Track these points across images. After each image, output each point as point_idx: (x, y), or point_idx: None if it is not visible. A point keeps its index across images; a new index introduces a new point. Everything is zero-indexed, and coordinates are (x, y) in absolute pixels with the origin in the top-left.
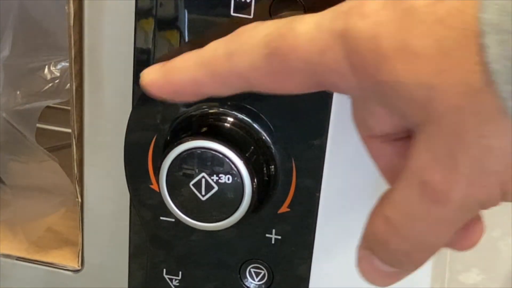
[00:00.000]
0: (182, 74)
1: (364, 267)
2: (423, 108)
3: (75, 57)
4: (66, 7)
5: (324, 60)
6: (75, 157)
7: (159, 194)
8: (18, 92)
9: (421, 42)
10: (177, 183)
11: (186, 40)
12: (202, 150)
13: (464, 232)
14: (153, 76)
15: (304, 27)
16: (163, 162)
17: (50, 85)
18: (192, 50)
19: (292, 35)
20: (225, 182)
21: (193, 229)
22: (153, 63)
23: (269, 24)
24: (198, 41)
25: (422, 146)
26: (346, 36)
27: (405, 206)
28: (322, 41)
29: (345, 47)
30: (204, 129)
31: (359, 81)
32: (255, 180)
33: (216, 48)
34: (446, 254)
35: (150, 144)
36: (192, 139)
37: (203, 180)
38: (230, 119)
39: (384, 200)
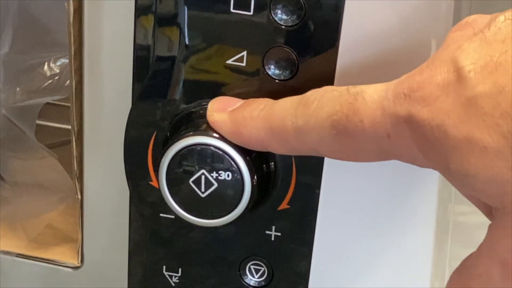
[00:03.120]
0: (251, 133)
1: None
2: (499, 200)
3: (74, 53)
4: (65, 4)
5: (392, 143)
6: (74, 153)
7: (158, 191)
8: (17, 89)
9: (489, 137)
10: (177, 180)
11: (186, 36)
12: (202, 146)
13: None
14: (221, 120)
15: (368, 108)
16: (163, 159)
17: (49, 81)
18: (260, 102)
19: (358, 118)
20: (224, 179)
21: (193, 226)
22: (153, 60)
23: (333, 99)
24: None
25: (503, 230)
26: (412, 123)
27: (487, 281)
28: (387, 125)
29: (412, 133)
30: (204, 125)
31: (431, 164)
32: (255, 177)
33: (284, 118)
34: (451, 194)
35: (149, 140)
36: (192, 136)
37: (203, 177)
38: None
39: (465, 270)
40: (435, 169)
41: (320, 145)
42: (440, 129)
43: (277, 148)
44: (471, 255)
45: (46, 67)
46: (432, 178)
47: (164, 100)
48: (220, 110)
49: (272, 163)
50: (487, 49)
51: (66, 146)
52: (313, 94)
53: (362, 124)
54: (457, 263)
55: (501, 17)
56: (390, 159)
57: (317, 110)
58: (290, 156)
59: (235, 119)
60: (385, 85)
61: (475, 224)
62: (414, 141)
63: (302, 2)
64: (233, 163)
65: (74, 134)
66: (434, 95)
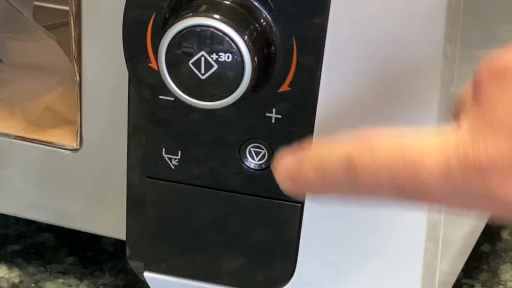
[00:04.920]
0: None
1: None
2: None
3: None
4: None
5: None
6: (73, 35)
7: (158, 73)
8: None
9: None
10: (176, 62)
11: None
12: (202, 28)
13: None
14: (284, 182)
15: (432, 179)
16: (162, 40)
17: None
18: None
19: (420, 187)
20: (224, 61)
21: (192, 108)
22: None
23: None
24: None
25: None
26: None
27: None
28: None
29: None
30: (204, 6)
31: None
32: (255, 58)
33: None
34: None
35: (149, 22)
36: (192, 17)
37: (203, 58)
38: None
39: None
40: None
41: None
42: None
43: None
44: None
45: None
46: (434, 57)
47: None
48: None
49: (273, 45)
50: None
51: (65, 28)
52: (374, 142)
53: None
54: None
55: None
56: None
57: (376, 171)
58: (291, 38)
59: (294, 180)
60: (444, 151)
61: None
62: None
63: None
64: (233, 44)
65: (73, 15)
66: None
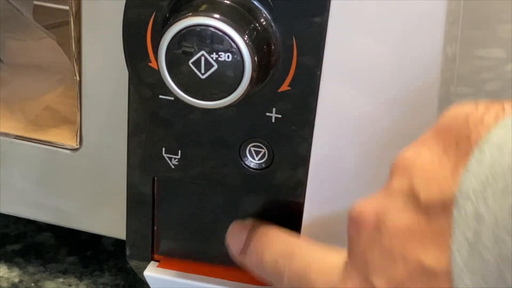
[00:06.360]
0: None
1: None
2: None
3: None
4: None
5: None
6: (73, 34)
7: (158, 72)
8: None
9: None
10: (176, 61)
11: None
12: (202, 27)
13: None
14: (233, 253)
15: None
16: (162, 40)
17: None
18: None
19: None
20: (224, 60)
21: (192, 108)
22: None
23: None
24: None
25: None
26: None
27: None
28: None
29: None
30: (204, 6)
31: None
32: (255, 58)
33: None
34: (454, 76)
35: (149, 21)
36: (191, 16)
37: (203, 58)
38: None
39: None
40: None
41: None
42: None
43: None
44: None
45: None
46: (434, 57)
47: None
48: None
49: (273, 44)
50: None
51: (65, 27)
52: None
53: None
54: None
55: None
56: None
57: None
58: (291, 37)
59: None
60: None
61: None
62: None
63: None
64: (233, 44)
65: (72, 15)
66: None
